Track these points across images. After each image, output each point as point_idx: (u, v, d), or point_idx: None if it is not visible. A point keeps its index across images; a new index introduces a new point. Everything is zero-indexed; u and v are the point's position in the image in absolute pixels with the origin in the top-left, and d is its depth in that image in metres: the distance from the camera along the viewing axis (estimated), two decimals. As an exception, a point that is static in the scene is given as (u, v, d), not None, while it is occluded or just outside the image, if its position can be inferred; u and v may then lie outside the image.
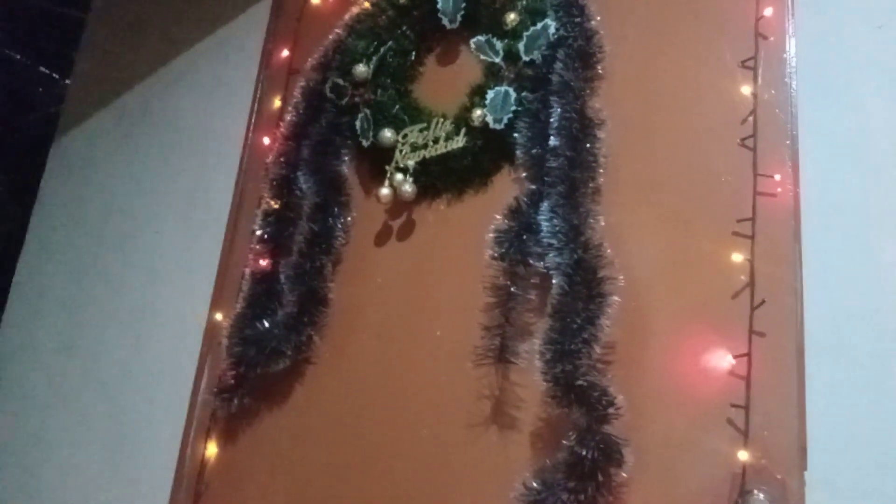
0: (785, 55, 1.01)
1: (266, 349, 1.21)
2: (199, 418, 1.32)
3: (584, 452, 0.87)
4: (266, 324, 1.24)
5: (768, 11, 1.03)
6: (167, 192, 1.64)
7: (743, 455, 0.86)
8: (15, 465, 1.60)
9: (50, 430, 1.59)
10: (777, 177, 0.95)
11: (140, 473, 1.40)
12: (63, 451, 1.54)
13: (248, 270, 1.33)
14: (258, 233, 1.33)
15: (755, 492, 0.85)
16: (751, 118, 1.00)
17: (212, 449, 1.29)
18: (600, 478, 0.88)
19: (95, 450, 1.48)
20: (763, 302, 0.90)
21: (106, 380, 1.54)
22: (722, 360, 0.91)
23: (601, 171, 1.04)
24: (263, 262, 1.31)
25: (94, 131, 1.90)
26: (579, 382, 0.90)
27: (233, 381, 1.25)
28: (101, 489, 1.44)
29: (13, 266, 1.88)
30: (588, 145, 1.03)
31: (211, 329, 1.38)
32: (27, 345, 1.72)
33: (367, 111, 1.28)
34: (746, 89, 1.01)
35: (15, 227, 2.12)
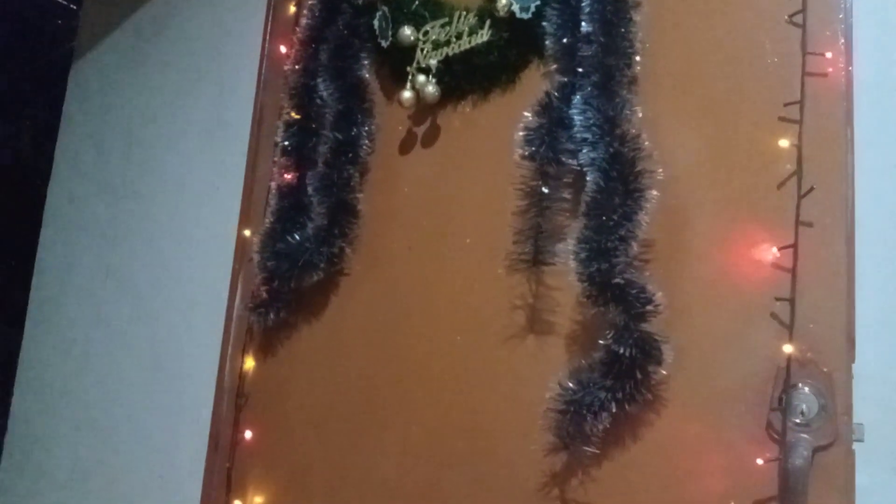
0: (839, -83, 0.91)
1: (299, 262, 1.20)
2: (235, 333, 1.34)
3: (621, 350, 0.85)
4: (297, 237, 1.23)
5: None
6: (188, 108, 1.60)
7: (788, 348, 0.83)
8: (59, 386, 1.66)
9: (91, 350, 1.63)
10: (828, 55, 0.88)
11: (182, 388, 1.43)
12: (106, 371, 1.58)
13: (273, 184, 1.30)
14: (281, 145, 1.30)
15: (800, 385, 0.83)
16: (800, -9, 0.91)
17: (249, 362, 1.31)
18: (638, 375, 0.86)
19: (137, 368, 1.52)
20: (811, 189, 0.85)
21: (142, 299, 1.56)
22: (766, 252, 0.87)
23: (637, 57, 0.97)
24: (289, 175, 1.28)
25: (111, 52, 1.85)
26: (616, 280, 0.87)
27: (267, 296, 1.26)
28: (146, 406, 1.48)
29: (44, 193, 1.89)
30: (623, 30, 0.96)
31: (241, 245, 1.38)
32: (64, 268, 1.75)
33: (385, 8, 1.21)
34: (796, -41, 0.92)
35: (44, 158, 2.12)
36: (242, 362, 1.32)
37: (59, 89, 2.03)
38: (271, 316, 1.25)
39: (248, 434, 1.28)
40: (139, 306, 1.57)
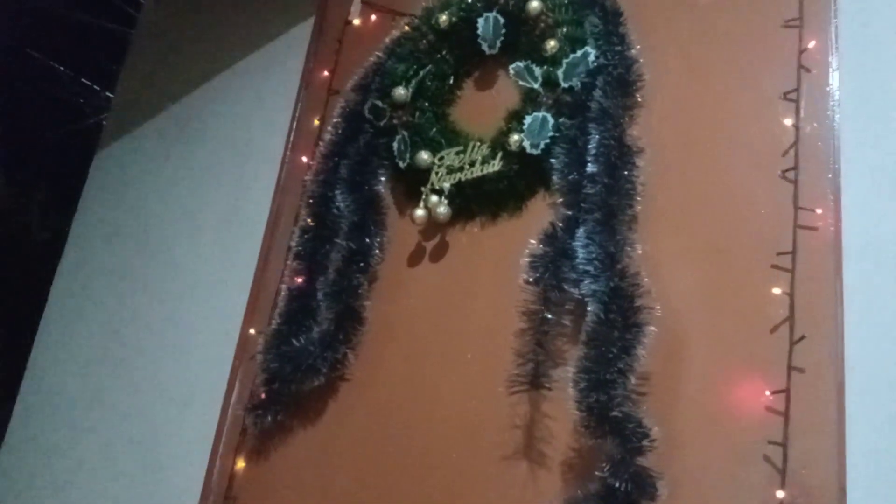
0: (828, 88, 1.00)
1: (302, 366, 1.22)
2: (229, 432, 1.33)
3: (617, 484, 0.86)
4: (302, 340, 1.25)
5: (811, 44, 1.02)
6: (205, 206, 1.67)
7: (780, 494, 0.84)
8: (48, 469, 1.63)
9: (83, 435, 1.61)
10: (818, 210, 0.94)
11: (170, 483, 1.41)
12: (96, 457, 1.56)
13: (283, 286, 1.34)
14: (295, 249, 1.35)
15: (792, 532, 0.83)
16: (792, 150, 0.99)
17: (240, 463, 1.30)
18: (633, 510, 0.87)
19: (127, 457, 1.50)
20: (803, 337, 0.89)
21: (139, 389, 1.56)
22: (760, 395, 0.90)
23: (639, 198, 1.04)
24: (299, 279, 1.32)
25: (136, 145, 1.94)
26: (614, 413, 0.89)
27: (265, 397, 1.26)
28: (132, 497, 1.45)
29: (52, 274, 1.93)
30: (626, 173, 1.03)
31: (243, 343, 1.40)
32: (64, 351, 1.76)
33: (405, 133, 1.29)
34: (788, 121, 1.00)
35: (55, 235, 2.17)
36: (233, 463, 1.31)
37: (79, 169, 2.11)
38: (268, 419, 1.25)
39: (232, 539, 1.25)
40: (136, 394, 1.57)
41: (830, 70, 1.01)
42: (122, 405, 1.57)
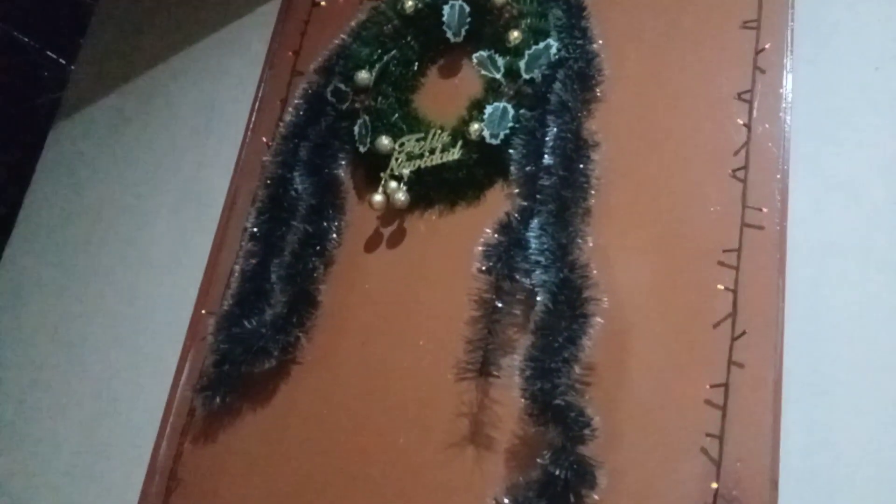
0: (781, 90, 1.02)
1: (253, 348, 1.21)
2: (176, 413, 1.32)
3: (557, 472, 0.87)
4: (254, 322, 1.24)
5: (767, 45, 1.04)
6: (162, 183, 1.64)
7: (714, 485, 0.86)
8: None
9: (27, 412, 1.58)
10: (765, 209, 0.96)
11: (114, 462, 1.39)
12: (39, 435, 1.53)
13: (237, 268, 1.33)
14: (250, 230, 1.33)
15: (725, 523, 0.85)
16: (743, 150, 1.00)
17: (187, 444, 1.29)
18: (572, 498, 0.87)
19: (71, 436, 1.48)
20: (744, 333, 0.91)
21: (87, 367, 1.53)
22: (700, 388, 0.91)
23: (593, 192, 1.05)
24: (254, 260, 1.31)
25: (95, 118, 1.90)
26: (557, 401, 0.90)
27: (215, 378, 1.25)
28: (75, 475, 1.43)
29: (2, 248, 1.88)
30: (581, 166, 1.04)
31: (195, 324, 1.38)
32: (10, 327, 1.72)
33: (367, 117, 1.28)
34: (741, 121, 1.02)
35: (10, 209, 2.12)
36: (180, 443, 1.29)
37: (40, 143, 2.06)
38: (217, 400, 1.23)
39: (175, 521, 1.24)
40: (83, 371, 1.54)
41: (784, 72, 1.02)
42: (69, 385, 1.54)
